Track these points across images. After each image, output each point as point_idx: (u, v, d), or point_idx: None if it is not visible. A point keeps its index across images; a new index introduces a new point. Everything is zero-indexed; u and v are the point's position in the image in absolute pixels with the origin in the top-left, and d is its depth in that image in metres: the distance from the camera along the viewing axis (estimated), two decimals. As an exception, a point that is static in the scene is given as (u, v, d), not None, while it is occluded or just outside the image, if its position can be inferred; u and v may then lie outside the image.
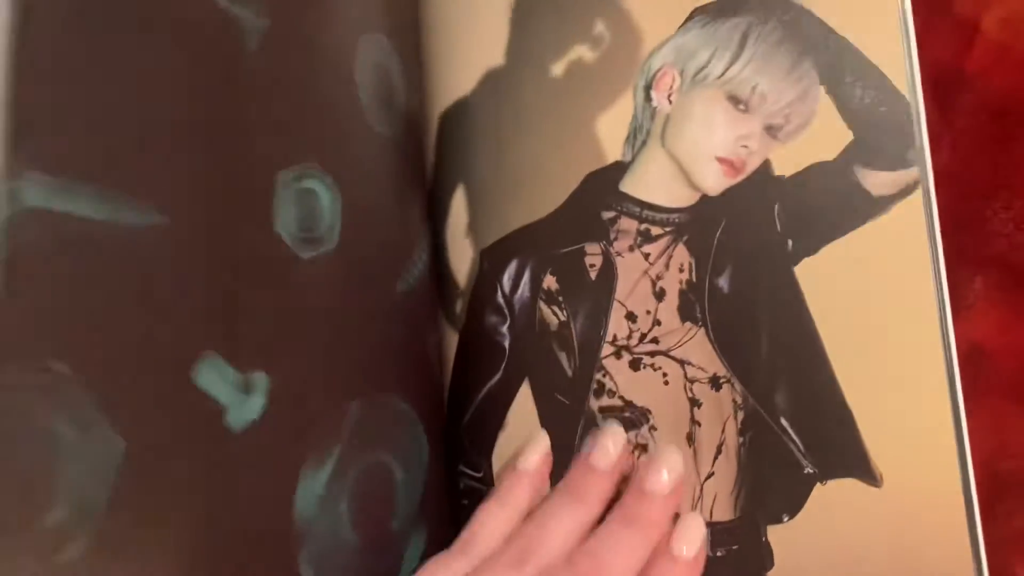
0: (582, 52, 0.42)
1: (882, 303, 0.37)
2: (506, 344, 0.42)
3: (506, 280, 0.42)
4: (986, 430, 0.38)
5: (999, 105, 0.39)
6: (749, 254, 0.39)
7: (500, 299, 0.42)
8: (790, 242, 0.39)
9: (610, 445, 0.33)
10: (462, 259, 0.44)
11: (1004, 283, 0.38)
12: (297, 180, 0.37)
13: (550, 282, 0.41)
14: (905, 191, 0.38)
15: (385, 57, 0.42)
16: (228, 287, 0.32)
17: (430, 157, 0.45)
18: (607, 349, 0.40)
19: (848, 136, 0.39)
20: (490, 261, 0.43)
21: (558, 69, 0.42)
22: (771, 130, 0.39)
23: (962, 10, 0.40)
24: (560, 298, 0.41)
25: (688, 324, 0.40)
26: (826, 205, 0.39)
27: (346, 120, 0.40)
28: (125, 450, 0.27)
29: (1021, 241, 0.39)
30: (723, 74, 0.40)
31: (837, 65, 0.39)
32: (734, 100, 0.40)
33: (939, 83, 0.39)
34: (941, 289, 0.36)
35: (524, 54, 0.43)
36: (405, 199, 0.43)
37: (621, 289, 0.40)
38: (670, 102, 0.41)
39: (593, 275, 0.41)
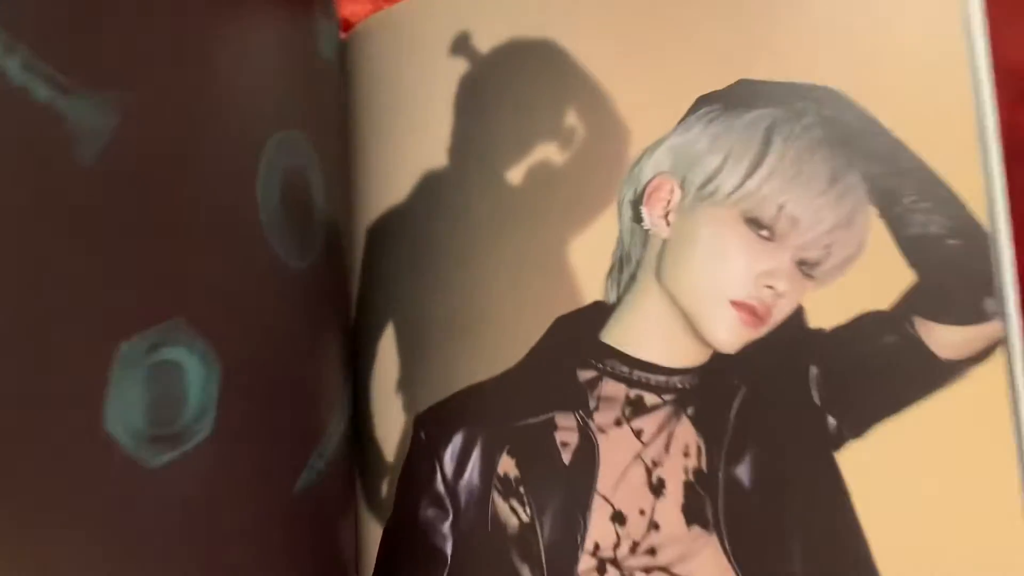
0: (548, 152, 0.32)
1: (954, 507, 0.28)
2: (447, 548, 0.32)
3: (448, 459, 0.32)
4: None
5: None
6: (777, 435, 0.30)
7: (440, 485, 0.32)
8: (831, 420, 0.30)
9: None
10: (390, 424, 0.34)
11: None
12: (151, 351, 0.26)
13: (508, 466, 0.32)
14: (982, 353, 0.29)
15: (301, 160, 0.32)
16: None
17: (355, 284, 0.35)
18: (587, 562, 0.31)
19: (909, 277, 0.30)
20: (427, 431, 0.33)
21: (517, 174, 0.32)
22: (805, 265, 0.30)
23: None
24: (521, 489, 0.31)
25: (696, 529, 0.30)
26: (878, 370, 0.30)
27: (235, 254, 0.29)
28: None
29: None
30: (739, 188, 0.31)
31: (894, 180, 0.30)
32: (755, 224, 0.30)
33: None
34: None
35: (472, 153, 0.33)
36: (319, 355, 0.33)
37: (605, 479, 0.31)
38: (668, 223, 0.31)
39: (566, 458, 0.31)
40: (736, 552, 0.30)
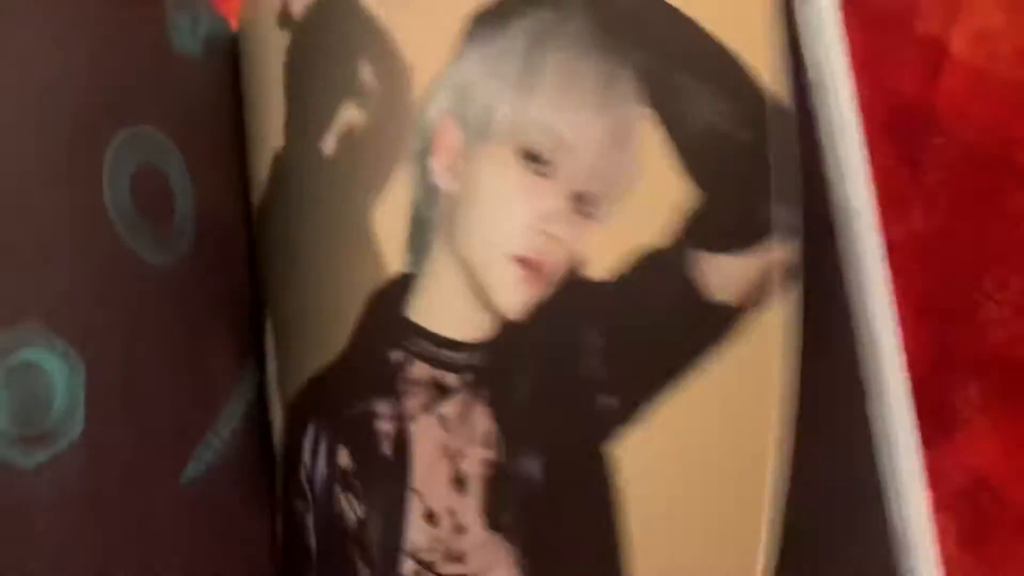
0: (351, 114, 0.30)
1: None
2: (312, 543, 0.32)
3: (307, 450, 0.32)
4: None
5: (981, 149, 0.32)
6: (561, 420, 0.25)
7: (303, 476, 0.32)
8: (608, 399, 0.24)
9: None
10: (276, 416, 0.34)
11: (1008, 388, 0.32)
12: (5, 355, 0.30)
13: (344, 457, 0.31)
14: (760, 292, 0.21)
15: (158, 156, 0.34)
16: None
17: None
18: (409, 566, 0.28)
19: (693, 198, 0.23)
20: (292, 423, 0.33)
21: (330, 143, 0.31)
22: (582, 202, 0.25)
23: (926, 28, 0.32)
24: (356, 482, 0.30)
25: (496, 535, 0.26)
26: (656, 328, 0.23)
27: (86, 253, 0.32)
28: None
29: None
30: (511, 115, 0.26)
31: (675, 70, 0.23)
32: (531, 158, 0.25)
33: (901, 126, 0.32)
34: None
35: (299, 126, 0.32)
36: (201, 345, 0.35)
37: (419, 473, 0.28)
38: (453, 175, 0.28)
39: (388, 449, 0.29)
40: (532, 563, 0.26)
